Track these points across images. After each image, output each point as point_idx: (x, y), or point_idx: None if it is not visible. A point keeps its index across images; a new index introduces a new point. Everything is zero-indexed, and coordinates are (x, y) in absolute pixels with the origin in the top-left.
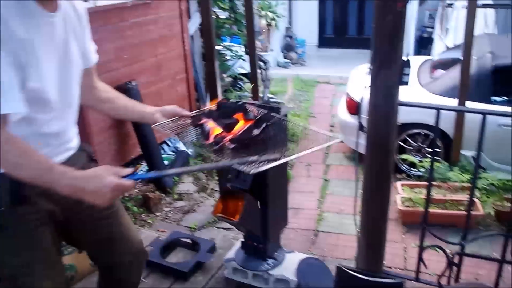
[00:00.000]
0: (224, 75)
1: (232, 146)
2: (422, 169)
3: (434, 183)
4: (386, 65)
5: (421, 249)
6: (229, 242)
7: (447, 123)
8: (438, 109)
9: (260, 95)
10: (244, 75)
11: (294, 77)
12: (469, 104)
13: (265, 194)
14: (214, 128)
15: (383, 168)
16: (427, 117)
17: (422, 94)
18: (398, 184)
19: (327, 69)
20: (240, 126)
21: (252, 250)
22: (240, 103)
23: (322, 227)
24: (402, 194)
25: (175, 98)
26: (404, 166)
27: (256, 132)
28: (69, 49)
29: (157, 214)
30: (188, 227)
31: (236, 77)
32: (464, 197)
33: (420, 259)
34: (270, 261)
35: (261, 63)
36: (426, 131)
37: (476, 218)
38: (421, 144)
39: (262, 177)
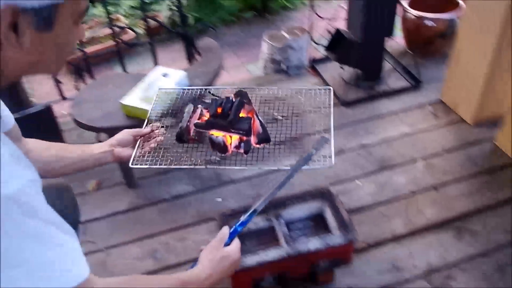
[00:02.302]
0: None
1: (262, 145)
2: None
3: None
4: None
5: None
6: None
7: None
8: None
9: None
10: None
11: None
12: None
13: None
14: (225, 137)
15: None
16: None
17: None
18: None
19: None
20: (252, 121)
21: None
22: (231, 99)
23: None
24: None
25: None
26: None
27: (277, 115)
28: None
29: None
30: None
31: None
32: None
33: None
34: None
35: None
36: None
37: (131, 40)
38: None
39: None
